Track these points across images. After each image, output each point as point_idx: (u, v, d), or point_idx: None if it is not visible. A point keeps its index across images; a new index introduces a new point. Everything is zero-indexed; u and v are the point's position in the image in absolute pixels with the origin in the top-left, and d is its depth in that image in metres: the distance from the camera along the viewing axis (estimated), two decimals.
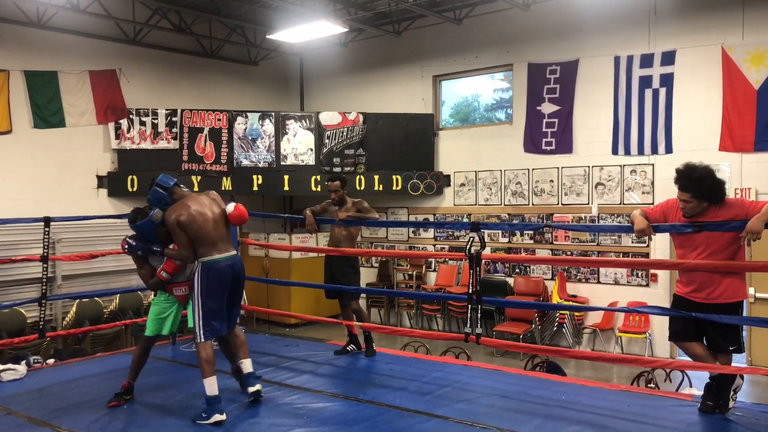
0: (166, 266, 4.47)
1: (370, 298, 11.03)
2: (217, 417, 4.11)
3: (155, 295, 4.77)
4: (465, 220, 10.45)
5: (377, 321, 10.92)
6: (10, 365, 5.41)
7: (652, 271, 8.83)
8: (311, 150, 10.79)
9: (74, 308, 8.55)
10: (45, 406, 4.58)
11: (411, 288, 10.90)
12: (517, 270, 10.10)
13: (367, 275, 11.13)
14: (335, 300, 6.22)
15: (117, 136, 10.04)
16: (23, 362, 5.65)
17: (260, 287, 10.39)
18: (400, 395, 4.72)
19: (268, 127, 10.68)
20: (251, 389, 4.49)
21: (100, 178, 9.92)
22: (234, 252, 4.52)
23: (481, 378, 5.22)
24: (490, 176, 10.36)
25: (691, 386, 5.47)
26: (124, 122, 10.06)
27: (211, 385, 4.19)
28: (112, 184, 9.98)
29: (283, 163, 10.69)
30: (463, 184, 10.69)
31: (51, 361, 6.45)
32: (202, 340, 4.30)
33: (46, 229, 6.08)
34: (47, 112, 9.30)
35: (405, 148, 10.88)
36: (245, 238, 8.60)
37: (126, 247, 4.56)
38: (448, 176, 10.85)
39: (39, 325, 6.16)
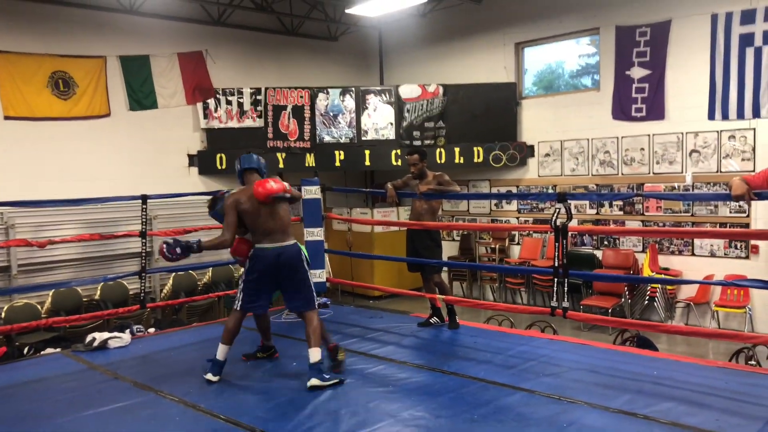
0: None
1: (452, 272, 11.01)
2: (210, 377, 4.49)
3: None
4: (550, 191, 10.19)
5: (459, 294, 10.90)
6: (116, 333, 5.80)
7: (752, 242, 8.31)
8: (391, 124, 10.79)
9: (171, 281, 9.04)
10: (148, 372, 4.89)
11: (494, 261, 10.79)
12: (606, 242, 9.77)
13: (449, 249, 11.10)
14: (417, 273, 6.26)
15: (205, 116, 10.41)
16: (127, 331, 6.03)
17: (344, 260, 10.58)
18: (484, 368, 4.72)
19: (349, 102, 10.76)
20: (308, 383, 4.28)
21: (190, 156, 10.34)
22: (287, 242, 4.58)
23: (567, 352, 5.12)
24: (577, 145, 10.02)
25: None
26: (211, 102, 10.41)
27: (222, 351, 4.54)
28: (202, 162, 10.38)
29: (364, 138, 10.76)
30: (547, 155, 10.41)
31: (152, 330, 6.87)
32: (237, 308, 4.64)
33: (144, 206, 6.44)
34: (141, 95, 9.75)
35: (486, 119, 10.68)
36: (329, 213, 8.78)
37: (165, 249, 4.51)
38: (532, 147, 10.58)
39: (140, 296, 6.56)
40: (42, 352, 6.48)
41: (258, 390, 4.38)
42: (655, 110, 9.12)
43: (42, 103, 8.77)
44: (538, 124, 10.53)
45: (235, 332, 4.61)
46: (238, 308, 4.66)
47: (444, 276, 6.66)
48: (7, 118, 8.45)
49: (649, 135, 9.20)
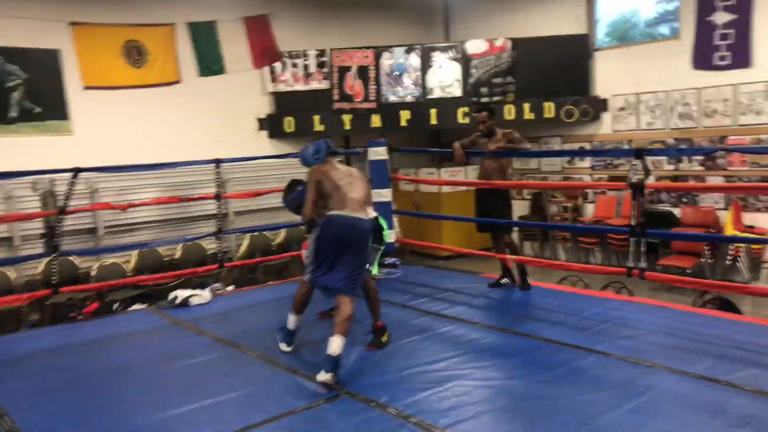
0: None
1: (523, 232, 10.85)
2: (284, 347, 4.44)
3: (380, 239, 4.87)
4: (626, 147, 9.81)
5: (530, 255, 10.76)
6: (197, 291, 6.07)
7: None
8: (458, 81, 10.60)
9: (246, 241, 9.33)
10: (228, 328, 5.10)
11: (566, 221, 10.55)
12: (685, 200, 9.37)
13: (520, 208, 10.92)
14: (487, 233, 6.20)
15: (272, 80, 10.51)
16: (207, 289, 6.30)
17: (412, 221, 10.59)
18: (557, 329, 4.67)
19: (414, 60, 10.61)
20: (317, 377, 3.76)
21: (260, 120, 10.51)
22: (365, 216, 4.22)
23: (644, 314, 5.00)
24: (654, 98, 9.57)
25: None
26: (277, 65, 10.48)
27: (292, 321, 4.46)
28: (271, 125, 10.53)
29: (429, 97, 10.62)
30: (622, 108, 9.99)
31: (230, 288, 7.15)
32: (306, 279, 4.41)
33: (218, 169, 6.63)
34: (209, 61, 9.92)
35: (557, 73, 10.31)
36: (395, 174, 8.77)
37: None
38: (606, 101, 10.17)
39: (217, 256, 6.81)
40: (130, 308, 6.87)
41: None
42: (741, 58, 8.55)
43: (117, 72, 9.07)
44: (612, 76, 10.09)
45: (304, 302, 4.44)
46: (308, 280, 4.38)
47: (514, 236, 6.58)
48: (87, 87, 8.80)
49: (733, 85, 8.67)
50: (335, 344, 3.82)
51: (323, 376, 3.72)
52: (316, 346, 4.48)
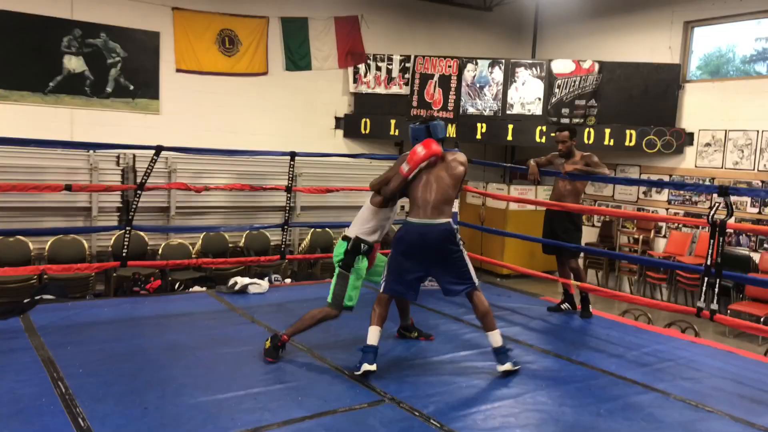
0: (412, 157, 4.09)
1: (588, 258, 10.55)
2: (366, 366, 3.89)
3: (345, 263, 4.30)
4: (707, 183, 9.38)
5: (594, 283, 10.44)
6: (256, 280, 6.17)
7: None
8: (539, 99, 10.42)
9: (309, 236, 9.45)
10: (282, 319, 5.13)
11: (635, 252, 10.18)
12: (766, 245, 8.87)
13: (588, 234, 10.61)
14: (551, 255, 6.05)
15: (355, 80, 10.64)
16: (266, 279, 6.41)
17: (475, 235, 10.48)
18: (615, 362, 4.49)
19: (497, 74, 10.51)
20: (500, 367, 4.06)
21: (337, 119, 10.65)
22: (435, 221, 4.04)
23: (710, 357, 4.74)
24: (744, 137, 9.12)
25: None
26: (361, 67, 10.60)
27: (372, 334, 4.03)
28: (347, 125, 10.66)
29: (508, 112, 10.48)
30: (708, 144, 9.57)
31: (288, 280, 7.25)
32: (381, 291, 4.20)
33: (292, 162, 6.74)
34: (297, 56, 10.15)
35: (643, 101, 9.98)
36: (465, 185, 8.69)
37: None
38: (691, 134, 9.77)
39: (281, 247, 6.92)
40: (190, 289, 7.07)
41: (383, 354, 4.37)
42: None
43: (209, 59, 9.41)
44: (700, 110, 9.69)
45: (385, 315, 4.14)
46: (383, 291, 4.18)
47: (580, 262, 6.39)
48: (178, 70, 9.17)
49: None
50: (495, 339, 4.10)
51: (505, 366, 4.05)
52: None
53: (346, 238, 4.31)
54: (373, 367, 3.91)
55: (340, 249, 4.31)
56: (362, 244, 4.25)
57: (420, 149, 4.09)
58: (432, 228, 4.05)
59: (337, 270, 4.30)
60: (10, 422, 3.08)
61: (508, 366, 4.05)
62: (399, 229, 4.20)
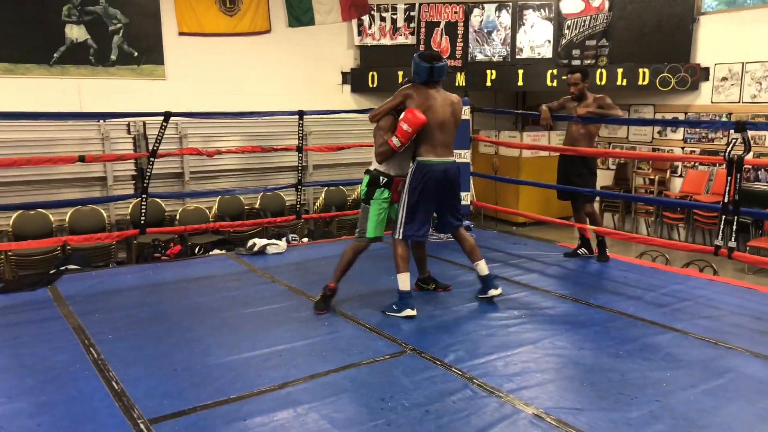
0: (400, 132, 4.18)
1: (604, 202, 10.50)
2: (408, 312, 4.17)
3: (366, 193, 4.45)
4: (724, 119, 9.22)
5: (610, 226, 10.42)
6: (273, 240, 6.24)
7: None
8: (548, 42, 10.21)
9: (323, 195, 9.47)
10: (301, 277, 5.24)
11: (651, 193, 10.11)
12: None
13: (603, 178, 10.54)
14: (566, 201, 6.03)
15: (359, 33, 10.47)
16: (283, 239, 6.47)
17: (489, 185, 10.45)
18: (633, 304, 4.52)
19: (505, 18, 10.29)
20: (493, 292, 4.43)
21: (344, 74, 10.53)
22: (452, 159, 4.38)
23: (729, 295, 4.75)
24: (762, 68, 8.89)
25: None
26: (366, 19, 10.41)
27: (404, 281, 4.23)
28: (354, 80, 10.54)
29: (518, 57, 10.30)
30: (724, 79, 9.36)
31: (305, 239, 7.32)
32: (400, 237, 4.32)
33: (300, 121, 6.70)
34: (299, 11, 9.96)
35: (656, 37, 9.74)
36: (477, 135, 8.62)
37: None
38: (707, 69, 9.54)
39: (296, 207, 6.96)
40: (210, 253, 7.16)
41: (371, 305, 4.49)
42: None
43: (211, 19, 9.29)
44: (716, 43, 9.44)
45: (407, 257, 4.33)
46: (400, 237, 4.32)
47: (595, 206, 6.36)
48: (181, 33, 9.08)
49: None
50: (483, 266, 4.46)
51: (496, 291, 4.44)
52: (382, 301, 4.53)
53: (367, 172, 4.50)
54: (414, 312, 4.19)
55: (363, 184, 4.52)
56: (381, 177, 4.40)
57: (405, 126, 4.16)
58: (451, 165, 4.37)
59: (362, 205, 4.53)
60: (46, 388, 3.20)
61: (500, 290, 4.46)
62: (417, 170, 4.30)
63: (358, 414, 2.97)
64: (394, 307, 4.25)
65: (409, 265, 4.33)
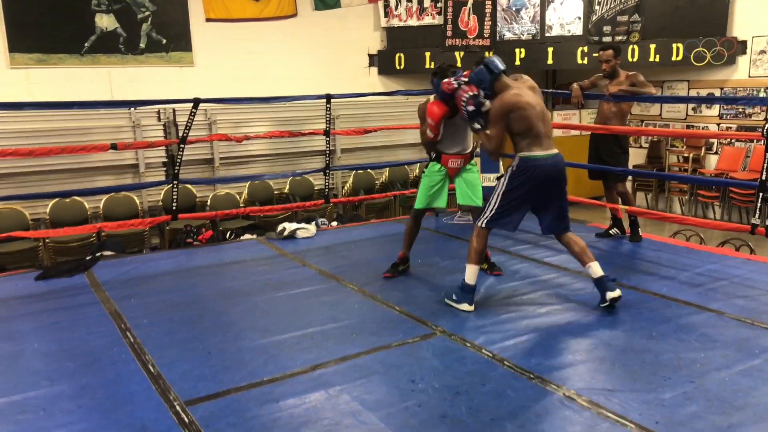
0: (431, 128, 4.35)
1: (636, 181, 10.32)
2: (466, 306, 3.98)
3: (426, 167, 4.73)
4: (762, 94, 8.95)
5: (643, 206, 10.24)
6: (303, 225, 6.28)
7: None
8: (578, 18, 10.00)
9: (351, 178, 9.50)
10: (331, 261, 5.27)
11: (686, 172, 9.89)
12: None
13: (635, 156, 10.33)
14: (598, 181, 5.95)
15: (386, 14, 10.40)
16: (313, 223, 6.50)
17: None
18: (667, 284, 4.45)
19: None
20: (611, 294, 3.90)
21: (371, 56, 10.48)
22: (556, 150, 3.98)
23: (765, 274, 4.64)
24: None
25: None
26: (392, 0, 10.33)
27: (472, 273, 4.02)
28: (381, 62, 10.49)
29: (547, 35, 10.12)
30: (762, 52, 9.07)
31: (334, 223, 7.35)
32: (483, 226, 4.04)
33: (328, 105, 6.70)
34: None
35: (690, 10, 9.46)
36: None
37: (465, 97, 4.06)
38: (744, 42, 9.25)
39: (324, 192, 6.99)
40: (241, 237, 7.24)
41: (431, 287, 4.52)
42: None
43: (237, 5, 9.33)
44: (754, 15, 9.13)
45: (483, 249, 4.08)
46: (484, 225, 4.03)
47: (628, 185, 6.26)
48: (208, 20, 9.14)
49: None
50: (596, 268, 3.96)
51: (615, 293, 3.88)
52: (414, 285, 4.54)
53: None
54: (472, 308, 3.99)
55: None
56: (431, 153, 4.64)
57: (429, 120, 4.36)
58: (559, 159, 4.00)
59: None
60: (86, 372, 3.29)
61: (618, 292, 3.91)
62: (524, 164, 3.92)
63: (388, 395, 2.99)
64: (453, 296, 4.07)
65: (481, 259, 4.10)
